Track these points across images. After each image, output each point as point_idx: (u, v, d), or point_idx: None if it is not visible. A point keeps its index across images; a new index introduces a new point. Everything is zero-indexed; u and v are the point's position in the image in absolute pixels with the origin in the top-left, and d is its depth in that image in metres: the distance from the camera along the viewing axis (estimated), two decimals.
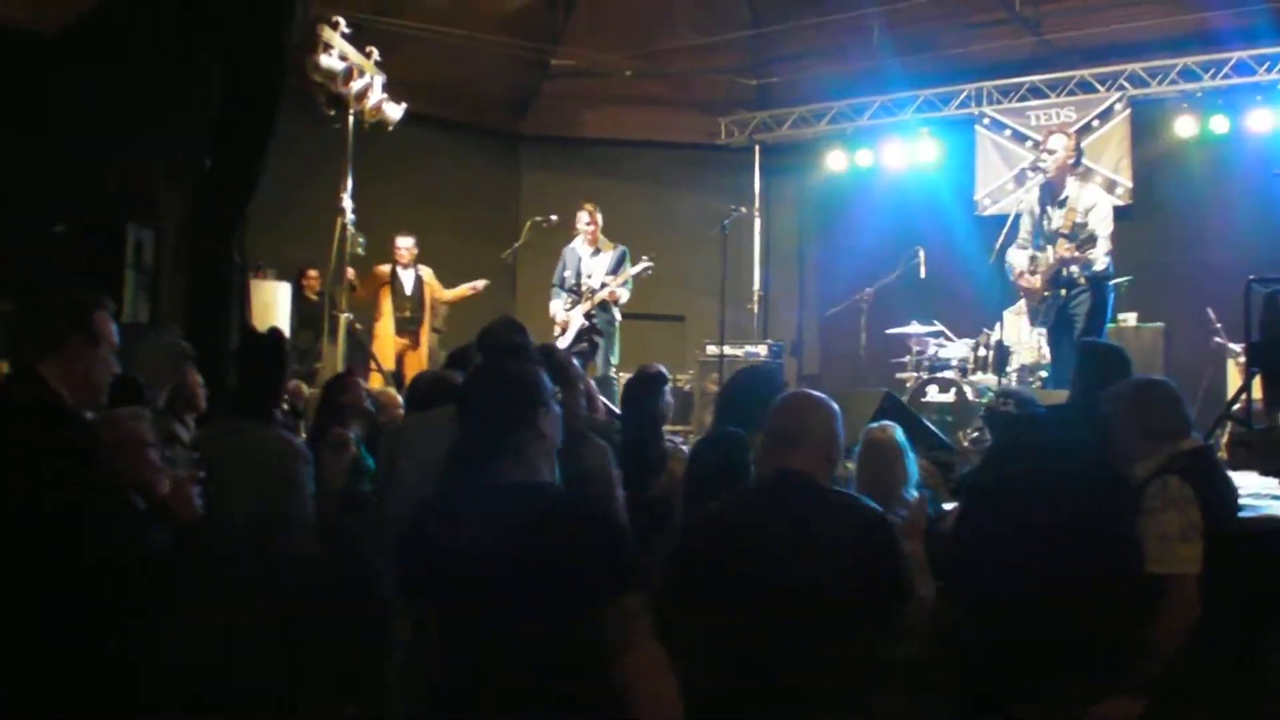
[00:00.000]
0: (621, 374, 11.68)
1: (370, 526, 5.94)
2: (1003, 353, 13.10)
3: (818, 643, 4.15)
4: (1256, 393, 9.38)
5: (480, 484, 3.74)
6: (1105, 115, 15.78)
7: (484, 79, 17.52)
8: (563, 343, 12.47)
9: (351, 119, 12.16)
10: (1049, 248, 10.25)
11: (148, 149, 10.06)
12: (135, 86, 9.97)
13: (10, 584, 3.89)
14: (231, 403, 6.07)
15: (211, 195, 9.88)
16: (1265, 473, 8.03)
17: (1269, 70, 14.49)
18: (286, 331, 12.08)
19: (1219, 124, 15.08)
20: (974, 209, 16.87)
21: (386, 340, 13.88)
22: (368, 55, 12.30)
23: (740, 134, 18.78)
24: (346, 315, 12.32)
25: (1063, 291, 10.21)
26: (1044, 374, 12.09)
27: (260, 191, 10.12)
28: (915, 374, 13.73)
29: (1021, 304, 11.62)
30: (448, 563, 3.67)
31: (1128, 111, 15.70)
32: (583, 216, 13.09)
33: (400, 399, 7.99)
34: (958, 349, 13.62)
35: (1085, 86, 15.99)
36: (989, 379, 12.70)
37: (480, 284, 14.26)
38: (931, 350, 13.74)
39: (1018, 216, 10.82)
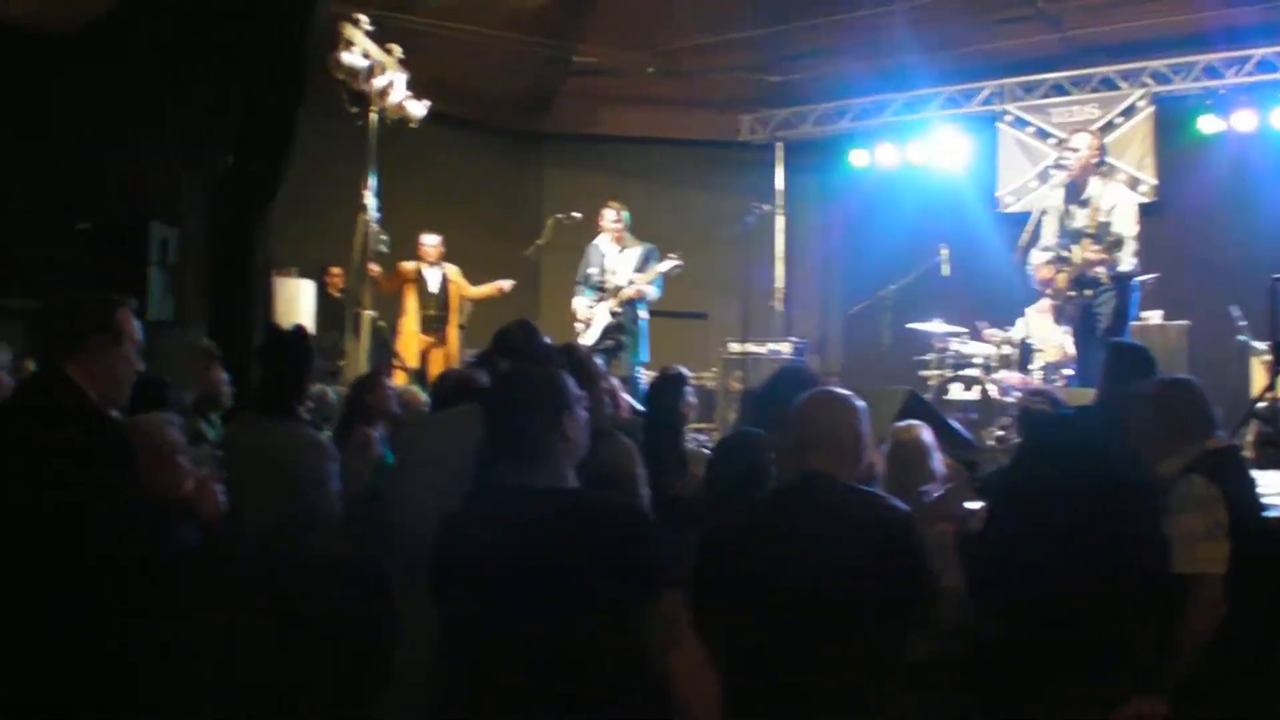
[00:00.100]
0: (648, 372, 11.65)
1: (376, 523, 5.95)
2: (1027, 351, 13.06)
3: (842, 644, 4.15)
4: None
5: (507, 488, 3.75)
6: (1129, 112, 15.72)
7: (505, 77, 17.50)
8: (587, 340, 12.46)
9: (374, 116, 12.18)
10: (1073, 247, 10.21)
11: (170, 148, 10.10)
12: (158, 86, 10.02)
13: (39, 579, 3.90)
14: (256, 400, 6.08)
15: (235, 193, 9.91)
16: None
17: None
18: (310, 329, 12.11)
19: (1243, 121, 14.99)
20: (996, 206, 16.82)
21: (410, 338, 13.86)
22: (390, 52, 12.31)
23: (762, 131, 18.75)
24: (370, 313, 12.33)
25: (1087, 292, 10.16)
26: (1068, 372, 12.05)
27: (283, 189, 10.15)
28: (939, 372, 13.69)
29: (1045, 301, 11.58)
30: (477, 567, 3.69)
31: (1151, 108, 15.62)
32: (609, 214, 13.02)
33: (424, 397, 8.00)
34: (981, 346, 13.58)
35: (1108, 83, 15.93)
36: (1013, 376, 12.66)
37: (506, 285, 14.22)
38: (955, 348, 13.70)
39: (1041, 215, 10.77)
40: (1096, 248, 10.00)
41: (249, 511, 5.10)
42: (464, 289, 14.21)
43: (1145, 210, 12.04)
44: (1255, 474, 5.58)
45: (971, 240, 15.28)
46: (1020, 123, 16.67)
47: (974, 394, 12.77)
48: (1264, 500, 5.50)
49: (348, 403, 7.50)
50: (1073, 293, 10.25)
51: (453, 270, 14.22)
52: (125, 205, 10.05)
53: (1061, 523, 4.87)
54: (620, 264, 12.89)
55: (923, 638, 4.61)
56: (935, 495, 5.43)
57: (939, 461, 5.85)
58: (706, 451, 7.22)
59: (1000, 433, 11.53)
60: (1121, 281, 10.08)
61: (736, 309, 14.14)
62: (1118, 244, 9.98)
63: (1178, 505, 4.92)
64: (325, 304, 14.32)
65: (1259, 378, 11.91)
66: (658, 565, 3.67)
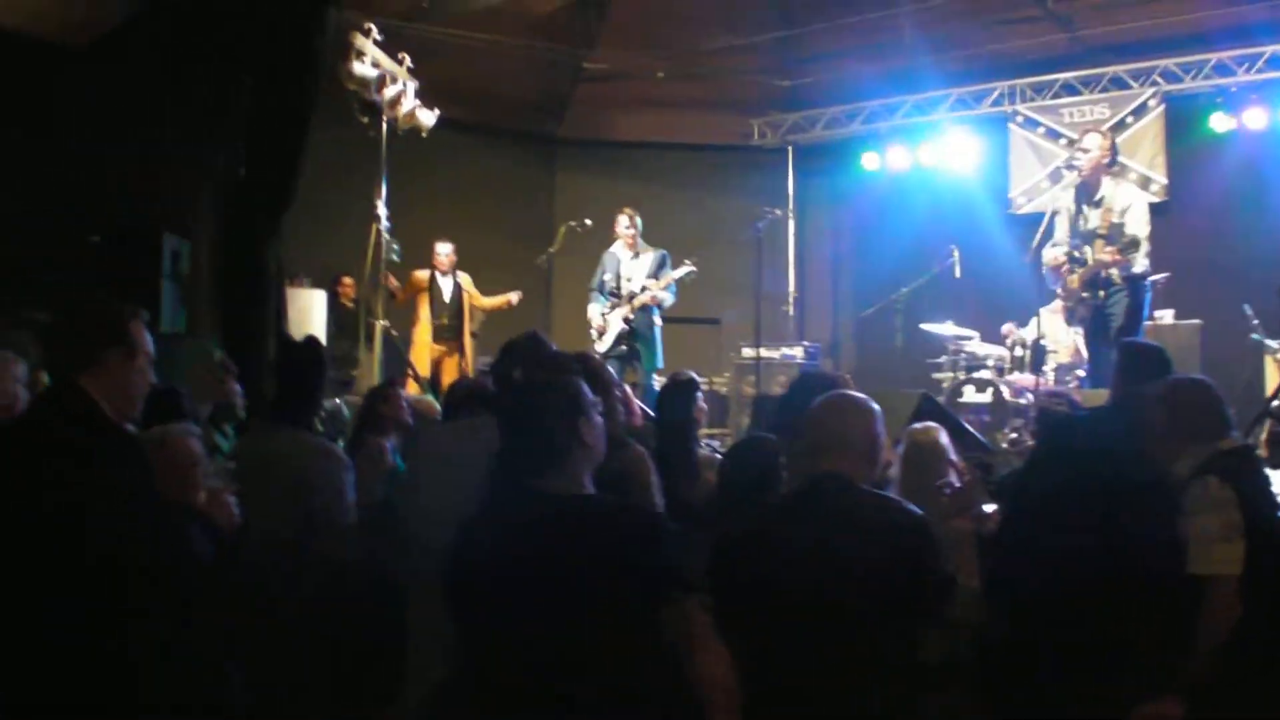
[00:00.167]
0: (662, 378, 11.65)
1: (389, 532, 5.96)
2: (1040, 352, 13.03)
3: (856, 647, 4.15)
4: None
5: (526, 494, 3.77)
6: (1139, 111, 15.69)
7: (517, 83, 17.55)
8: (601, 346, 12.48)
9: (385, 126, 12.19)
10: (1086, 248, 10.20)
11: (182, 159, 10.12)
12: (169, 97, 10.04)
13: (64, 590, 3.90)
14: (271, 412, 6.10)
15: (247, 204, 9.93)
16: None
17: None
18: (323, 339, 12.15)
19: (1254, 118, 14.94)
20: (1008, 207, 16.79)
21: (423, 347, 13.87)
22: (400, 61, 12.32)
23: (773, 135, 18.77)
24: (383, 322, 12.34)
25: (1100, 293, 10.15)
26: (1081, 373, 12.04)
27: (295, 199, 10.16)
28: (951, 374, 13.69)
29: (1058, 303, 11.56)
30: (496, 572, 3.71)
31: (1161, 107, 15.60)
32: (623, 220, 13.02)
33: (438, 406, 8.02)
34: (994, 348, 13.57)
35: (1118, 83, 15.90)
36: (1026, 378, 12.64)
37: (515, 298, 14.25)
38: (968, 349, 13.68)
39: (1053, 216, 10.76)
40: (1111, 249, 9.99)
41: (263, 521, 5.11)
42: (475, 299, 14.23)
43: (1156, 209, 12.00)
44: (1269, 473, 5.57)
45: (983, 242, 15.26)
46: (1031, 123, 16.65)
47: (987, 396, 12.75)
48: (1278, 500, 5.48)
49: (361, 412, 7.52)
50: (1086, 294, 10.24)
51: (465, 279, 14.24)
52: (137, 216, 10.08)
53: (1076, 524, 4.85)
54: (634, 270, 12.91)
55: (939, 639, 4.61)
56: (955, 488, 5.43)
57: (955, 464, 5.85)
58: (719, 456, 7.22)
59: (1013, 435, 11.51)
60: (1134, 281, 10.07)
61: (748, 313, 14.11)
62: (1134, 245, 9.97)
63: (1193, 506, 4.91)
64: (337, 314, 14.35)
65: (1272, 376, 11.91)
66: (678, 570, 3.70)
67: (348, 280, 14.85)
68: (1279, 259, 11.22)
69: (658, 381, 12.15)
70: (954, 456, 5.88)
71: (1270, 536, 4.98)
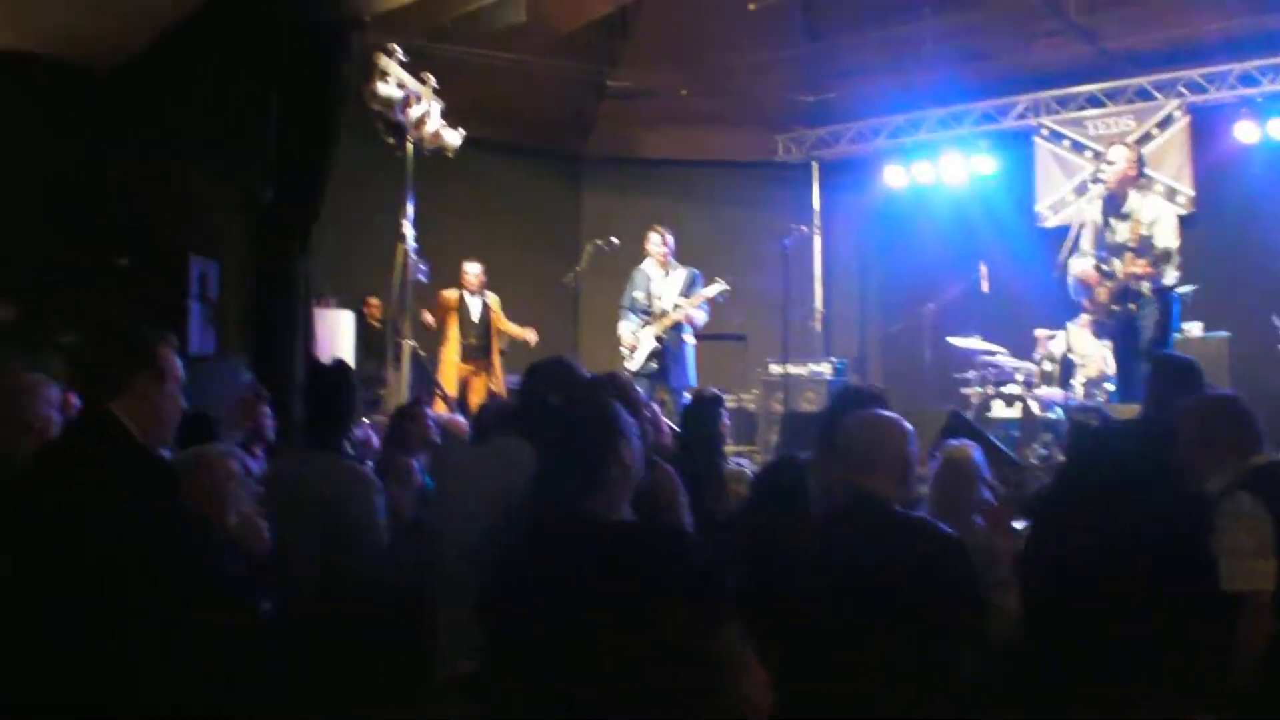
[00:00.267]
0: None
1: (418, 552, 5.96)
2: (1068, 366, 13.00)
3: (892, 666, 4.15)
4: None
5: (564, 516, 3.78)
6: (1165, 123, 15.64)
7: (542, 102, 17.60)
8: (632, 365, 12.46)
9: (411, 146, 12.21)
10: (1115, 261, 10.16)
11: (209, 182, 10.16)
12: (195, 120, 10.08)
13: (97, 614, 3.91)
14: (301, 435, 6.11)
15: (274, 226, 9.97)
16: None
17: None
18: (350, 359, 12.18)
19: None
20: (1035, 220, 16.72)
21: (450, 366, 13.89)
22: (424, 82, 12.35)
23: (798, 151, 18.80)
24: (410, 342, 12.36)
25: (1131, 305, 10.10)
26: (1110, 387, 11.99)
27: (322, 220, 10.20)
28: (980, 389, 13.65)
29: (1085, 316, 11.52)
30: (532, 594, 3.71)
31: (1187, 118, 15.54)
32: (654, 238, 12.97)
33: (466, 425, 8.03)
34: (1022, 363, 13.54)
35: (1143, 94, 15.85)
36: (1054, 392, 12.60)
37: (532, 337, 14.26)
38: (996, 363, 13.65)
39: (1080, 229, 10.71)
40: (1141, 261, 9.94)
41: (294, 544, 5.13)
42: (500, 321, 14.25)
43: (1184, 221, 11.93)
44: None
45: (1010, 256, 15.19)
46: (1056, 136, 16.60)
47: (1015, 411, 12.71)
48: None
49: (389, 432, 7.53)
50: (1115, 307, 10.18)
51: (494, 299, 14.26)
52: (164, 239, 10.12)
53: (1105, 540, 4.85)
54: (666, 288, 12.87)
55: (977, 659, 4.60)
56: (993, 506, 5.43)
57: (989, 481, 5.84)
58: (747, 472, 7.23)
59: (1043, 451, 11.46)
60: (1164, 294, 10.02)
61: (776, 330, 14.08)
62: (1166, 257, 9.92)
63: (1225, 522, 4.89)
64: (365, 334, 14.39)
65: None
66: (719, 597, 3.70)
67: (374, 300, 14.89)
68: None
69: (689, 399, 12.14)
70: (987, 473, 5.87)
71: None
